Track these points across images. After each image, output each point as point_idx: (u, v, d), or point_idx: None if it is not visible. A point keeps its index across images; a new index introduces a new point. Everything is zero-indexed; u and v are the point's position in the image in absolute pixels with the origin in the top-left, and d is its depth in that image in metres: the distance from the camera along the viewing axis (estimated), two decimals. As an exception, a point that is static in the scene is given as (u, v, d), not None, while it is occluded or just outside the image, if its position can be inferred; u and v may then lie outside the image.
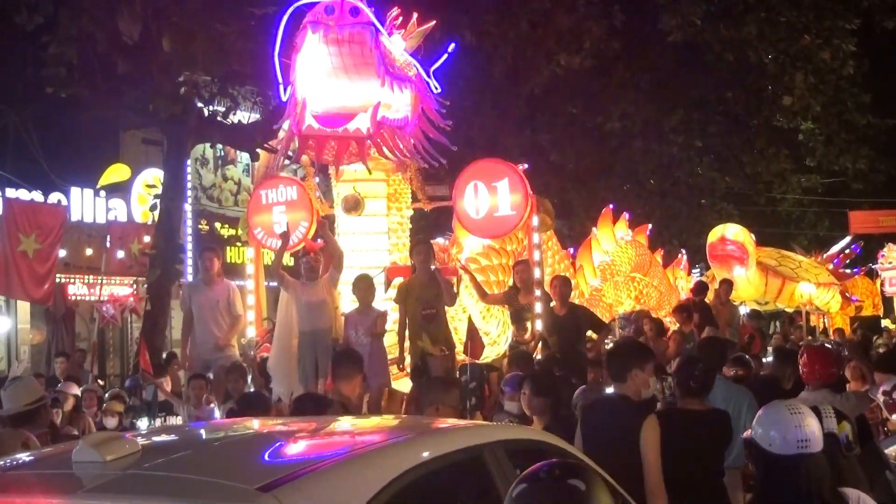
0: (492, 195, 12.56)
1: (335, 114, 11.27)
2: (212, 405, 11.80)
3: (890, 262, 35.46)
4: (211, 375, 12.53)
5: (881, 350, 18.26)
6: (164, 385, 14.46)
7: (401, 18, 12.18)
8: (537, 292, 12.82)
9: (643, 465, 6.20)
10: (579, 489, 3.02)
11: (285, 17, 11.54)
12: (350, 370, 8.61)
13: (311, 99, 11.21)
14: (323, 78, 11.09)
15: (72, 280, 22.47)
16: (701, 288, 18.93)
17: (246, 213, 14.14)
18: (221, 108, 20.45)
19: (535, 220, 12.96)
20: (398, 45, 11.73)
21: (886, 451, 5.85)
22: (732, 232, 26.96)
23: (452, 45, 12.42)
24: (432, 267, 12.13)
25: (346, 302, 12.27)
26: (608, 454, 6.29)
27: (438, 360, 11.25)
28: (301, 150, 11.58)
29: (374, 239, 12.54)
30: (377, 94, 11.06)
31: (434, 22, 12.22)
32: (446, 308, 12.09)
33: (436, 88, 12.36)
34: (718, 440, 6.92)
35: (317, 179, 14.63)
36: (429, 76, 12.26)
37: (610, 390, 8.68)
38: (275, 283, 13.30)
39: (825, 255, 31.68)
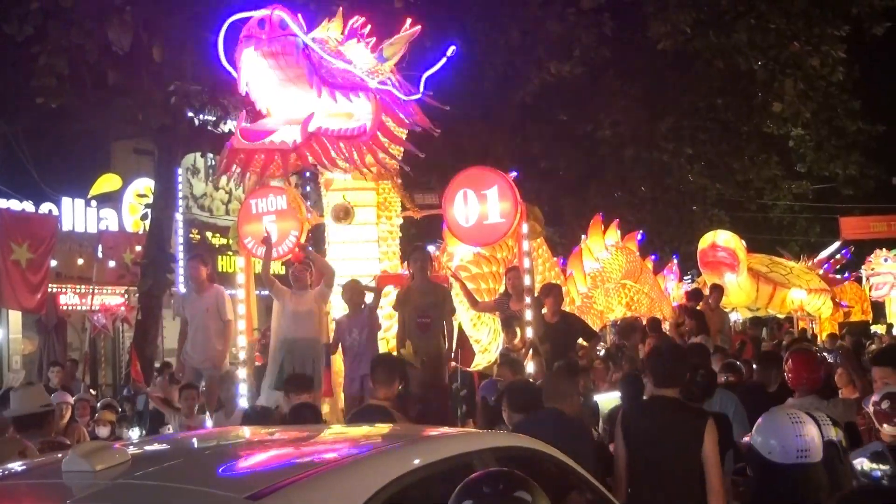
0: (481, 203, 12.54)
1: (259, 129, 11.35)
2: (203, 415, 11.82)
3: (873, 269, 35.58)
4: (203, 384, 12.55)
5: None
6: (155, 394, 14.45)
7: (369, 27, 12.13)
8: (527, 300, 12.83)
9: (705, 465, 6.24)
10: (526, 501, 3.02)
11: (221, 34, 11.54)
12: (388, 375, 8.68)
13: (274, 111, 11.31)
14: (277, 90, 11.13)
15: (63, 290, 22.48)
16: (694, 294, 19.00)
17: (236, 223, 14.15)
18: (212, 118, 20.46)
19: (525, 228, 12.95)
20: (359, 53, 11.69)
21: (854, 462, 5.87)
22: (723, 238, 27.06)
23: (452, 48, 12.29)
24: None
25: (339, 311, 12.29)
26: (661, 454, 6.41)
27: (417, 371, 11.23)
28: (228, 164, 11.55)
29: (364, 247, 12.51)
30: (313, 104, 11.07)
31: (419, 27, 12.15)
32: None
33: (426, 95, 12.28)
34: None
35: (307, 188, 14.67)
36: (418, 82, 12.21)
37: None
38: (266, 292, 13.32)
39: (815, 260, 31.78)
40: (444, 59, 12.08)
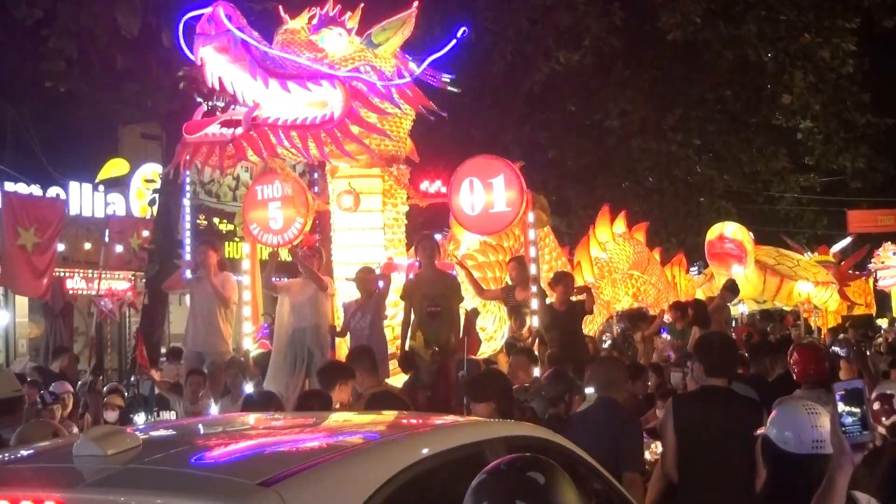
0: (487, 192, 12.52)
1: (200, 121, 11.56)
2: (208, 400, 11.81)
3: (883, 262, 35.54)
4: (206, 369, 12.54)
5: (881, 350, 18.26)
6: (164, 379, 14.47)
7: (349, 14, 12.13)
8: (533, 288, 12.81)
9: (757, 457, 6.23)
10: (537, 482, 3.03)
11: (179, 31, 11.64)
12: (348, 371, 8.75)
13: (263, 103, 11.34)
14: (247, 82, 11.15)
15: (70, 274, 22.51)
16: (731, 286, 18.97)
17: (242, 209, 14.15)
18: (220, 104, 20.43)
19: (531, 217, 12.93)
20: (334, 40, 11.70)
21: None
22: (731, 230, 27.01)
23: (463, 29, 12.19)
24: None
25: (345, 298, 12.32)
26: (714, 443, 6.46)
27: (426, 361, 11.26)
28: (177, 158, 11.70)
29: (369, 235, 12.50)
30: (262, 95, 11.09)
31: (412, 10, 12.13)
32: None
33: (436, 80, 12.23)
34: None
35: (315, 175, 14.67)
36: (432, 68, 12.16)
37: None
38: (273, 279, 13.34)
39: (833, 252, 31.72)
40: (453, 42, 12.00)
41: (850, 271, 32.42)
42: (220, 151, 11.35)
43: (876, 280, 35.26)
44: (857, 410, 4.08)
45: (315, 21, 11.79)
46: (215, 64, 10.87)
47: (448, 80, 12.17)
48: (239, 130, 11.22)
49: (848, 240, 35.21)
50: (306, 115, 11.33)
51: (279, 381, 11.63)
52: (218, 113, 11.58)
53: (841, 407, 4.10)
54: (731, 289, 18.86)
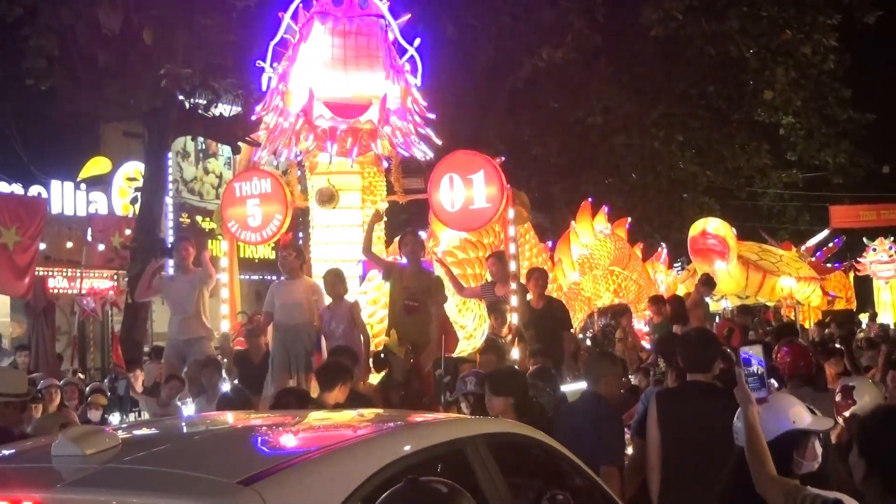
0: (467, 188, 12.50)
1: (346, 104, 11.47)
2: (181, 402, 11.79)
3: (879, 257, 35.72)
4: (184, 374, 12.53)
5: (861, 344, 18.31)
6: (138, 378, 14.48)
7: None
8: (513, 285, 12.81)
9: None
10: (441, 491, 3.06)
11: (292, 7, 11.62)
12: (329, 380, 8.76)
13: (318, 89, 11.33)
14: (321, 69, 11.17)
15: (52, 273, 22.43)
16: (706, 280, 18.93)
17: (220, 206, 14.11)
18: (203, 101, 20.45)
19: (511, 213, 12.93)
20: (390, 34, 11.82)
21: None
22: (714, 226, 27.07)
23: (418, 41, 12.32)
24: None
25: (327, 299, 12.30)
26: (697, 438, 6.47)
27: (400, 360, 11.22)
28: (314, 140, 11.69)
29: (348, 231, 12.50)
30: (382, 86, 11.14)
31: (409, 15, 12.19)
32: None
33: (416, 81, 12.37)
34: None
35: (299, 173, 14.67)
36: (413, 67, 12.28)
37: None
38: (254, 277, 13.34)
39: (805, 247, 31.85)
40: (408, 54, 12.20)
41: (827, 264, 32.48)
42: (371, 139, 11.63)
43: (857, 273, 35.43)
44: (756, 371, 4.61)
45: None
46: (315, 43, 10.84)
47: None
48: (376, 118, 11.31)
49: (825, 233, 35.32)
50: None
51: (278, 381, 11.59)
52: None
53: (746, 367, 4.61)
54: (707, 283, 18.79)
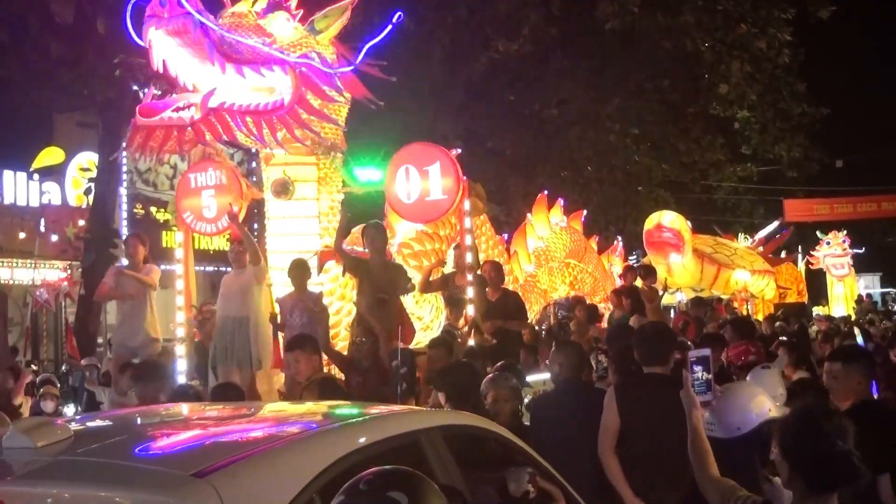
0: (423, 179, 12.49)
1: (160, 105, 11.38)
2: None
3: (833, 251, 36.08)
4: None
5: (818, 336, 18.49)
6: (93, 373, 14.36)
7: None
8: (469, 277, 12.82)
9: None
10: (397, 502, 3.03)
11: (127, 15, 11.51)
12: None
13: (201, 86, 11.21)
14: (192, 66, 11.06)
15: (4, 264, 22.26)
16: (628, 271, 18.96)
17: (175, 197, 14.01)
18: (157, 92, 20.28)
19: (467, 205, 12.94)
20: (281, 25, 11.64)
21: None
22: (669, 219, 27.19)
23: (399, 14, 12.14)
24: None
25: (280, 287, 12.20)
26: (655, 427, 6.57)
27: (368, 347, 11.15)
28: (130, 140, 11.55)
29: (304, 223, 12.43)
30: (218, 80, 11.04)
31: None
32: None
33: (373, 66, 12.19)
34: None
35: (253, 164, 14.60)
36: (359, 54, 12.11)
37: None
38: (209, 269, 13.27)
39: (756, 239, 32.11)
40: (389, 27, 11.97)
41: (773, 255, 32.74)
42: (179, 135, 11.21)
43: (810, 266, 35.78)
44: (702, 377, 5.05)
45: (261, 5, 11.68)
46: (163, 47, 10.77)
47: (382, 66, 12.13)
48: (198, 114, 11.05)
49: (774, 225, 35.65)
50: (257, 100, 11.31)
51: (222, 374, 11.51)
52: (174, 95, 11.49)
53: (692, 372, 4.72)
54: (649, 273, 18.86)
